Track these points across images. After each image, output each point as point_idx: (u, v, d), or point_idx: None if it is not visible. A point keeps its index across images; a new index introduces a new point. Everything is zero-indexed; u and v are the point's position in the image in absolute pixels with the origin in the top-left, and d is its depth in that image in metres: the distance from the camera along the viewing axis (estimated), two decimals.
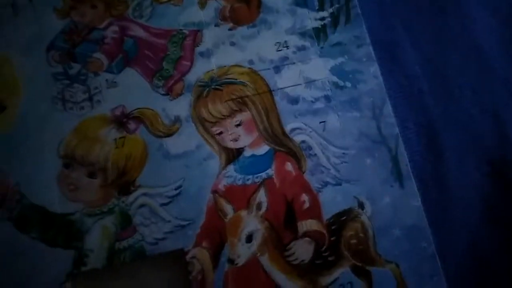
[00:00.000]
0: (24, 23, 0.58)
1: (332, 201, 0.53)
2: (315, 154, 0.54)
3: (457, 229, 0.54)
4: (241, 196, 0.53)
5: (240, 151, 0.55)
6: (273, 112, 0.55)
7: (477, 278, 0.52)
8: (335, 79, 0.57)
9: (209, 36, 0.58)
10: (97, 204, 0.52)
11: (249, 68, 0.57)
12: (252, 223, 0.52)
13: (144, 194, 0.52)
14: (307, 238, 0.52)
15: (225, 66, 0.57)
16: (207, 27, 0.58)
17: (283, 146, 0.55)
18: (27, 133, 0.54)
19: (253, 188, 0.53)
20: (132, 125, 0.55)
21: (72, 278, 0.50)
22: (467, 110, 0.58)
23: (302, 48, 0.58)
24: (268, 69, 0.57)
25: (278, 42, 0.58)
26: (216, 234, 0.52)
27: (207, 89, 0.56)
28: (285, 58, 0.57)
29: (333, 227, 0.52)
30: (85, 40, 0.58)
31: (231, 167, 0.54)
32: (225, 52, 0.57)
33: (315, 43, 0.58)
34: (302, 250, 0.51)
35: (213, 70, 0.57)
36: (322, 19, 0.59)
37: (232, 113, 0.55)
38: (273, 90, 0.56)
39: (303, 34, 0.58)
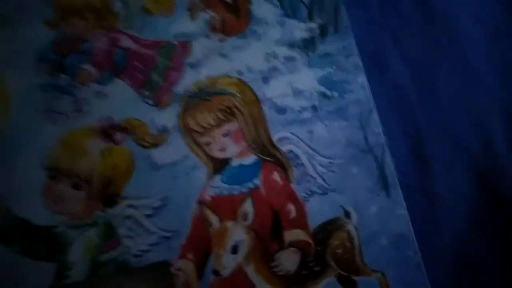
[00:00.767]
0: (12, 34, 0.58)
1: (318, 211, 0.53)
2: (302, 164, 0.54)
3: (444, 237, 0.53)
4: (227, 207, 0.52)
5: (227, 161, 0.54)
6: (261, 122, 0.55)
7: (463, 286, 0.52)
8: (323, 89, 0.57)
9: (199, 47, 0.58)
10: (81, 216, 0.52)
11: (238, 78, 0.57)
12: (238, 233, 0.51)
13: (130, 206, 0.52)
14: (293, 248, 0.51)
15: (214, 77, 0.57)
16: (197, 38, 0.59)
17: (271, 156, 0.54)
18: (13, 144, 0.54)
19: (240, 198, 0.53)
20: (118, 136, 0.55)
21: None
22: (454, 121, 0.58)
23: (291, 59, 0.58)
24: (257, 79, 0.57)
25: (267, 53, 0.58)
26: (201, 245, 0.51)
27: (196, 99, 0.56)
28: (274, 68, 0.58)
29: (319, 237, 0.52)
30: (74, 51, 0.58)
31: (218, 177, 0.54)
32: (214, 62, 0.57)
33: (303, 53, 0.58)
34: (288, 261, 0.51)
35: (202, 80, 0.57)
36: (311, 30, 0.59)
37: (220, 123, 0.55)
38: (262, 100, 0.56)
39: (291, 45, 0.58)
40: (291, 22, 0.60)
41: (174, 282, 0.50)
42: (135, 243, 0.51)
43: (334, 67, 0.58)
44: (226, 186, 0.53)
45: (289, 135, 0.55)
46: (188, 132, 0.55)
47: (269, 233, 0.52)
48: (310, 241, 0.52)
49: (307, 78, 0.57)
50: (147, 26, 0.59)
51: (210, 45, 0.58)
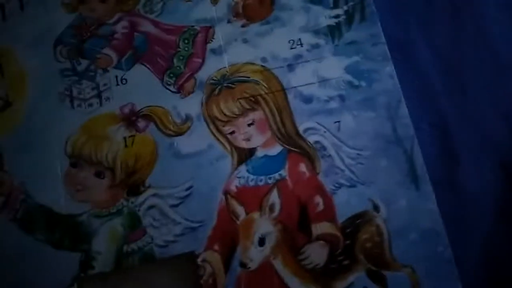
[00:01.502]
0: (30, 18, 0.57)
1: (346, 204, 0.52)
2: (330, 155, 0.53)
3: (472, 232, 0.53)
4: (253, 198, 0.52)
5: (252, 151, 0.53)
6: (286, 111, 0.54)
7: (492, 281, 0.51)
8: (350, 78, 0.56)
9: (221, 33, 0.57)
10: (105, 205, 0.51)
11: (262, 66, 0.56)
12: (264, 225, 0.50)
13: (154, 195, 0.51)
14: (321, 242, 0.51)
15: (237, 64, 0.56)
16: (219, 24, 0.57)
17: (297, 146, 0.53)
18: (33, 131, 0.53)
19: (266, 189, 0.52)
20: (141, 124, 0.53)
21: (78, 282, 0.49)
22: (481, 111, 0.57)
23: (316, 46, 0.57)
24: (282, 67, 0.56)
25: (291, 40, 0.57)
26: (228, 236, 0.50)
27: (219, 87, 0.55)
28: (299, 56, 0.56)
29: (347, 230, 0.51)
30: (94, 35, 0.57)
31: (243, 168, 0.53)
32: (237, 49, 0.56)
33: (329, 41, 0.57)
34: (316, 254, 0.50)
35: (225, 67, 0.56)
36: (337, 16, 0.58)
37: (244, 112, 0.54)
38: (287, 89, 0.55)
39: (317, 32, 0.57)
40: (317, 8, 0.58)
41: (200, 273, 0.49)
42: (160, 233, 0.50)
43: (361, 55, 0.56)
44: (252, 176, 0.52)
45: (316, 125, 0.54)
46: (212, 121, 0.54)
47: (297, 225, 0.51)
48: (339, 234, 0.51)
49: (333, 67, 0.56)
50: (168, 11, 0.58)
51: (233, 31, 0.57)
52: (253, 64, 0.56)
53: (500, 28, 0.60)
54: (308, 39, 0.57)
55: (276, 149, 0.53)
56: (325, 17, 0.58)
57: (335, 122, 0.54)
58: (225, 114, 0.54)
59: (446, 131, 0.56)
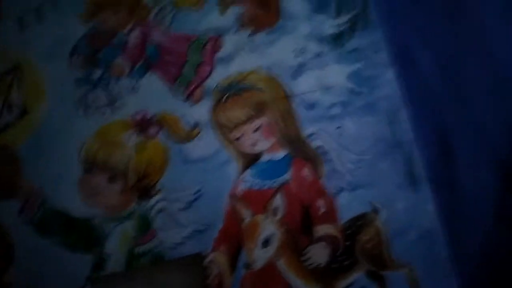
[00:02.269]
0: (48, 29, 0.59)
1: (347, 206, 0.54)
2: (331, 160, 0.55)
3: (470, 233, 0.54)
4: (258, 201, 0.54)
5: (258, 156, 0.55)
6: (291, 117, 0.56)
7: (490, 279, 0.52)
8: (351, 84, 0.57)
9: (229, 42, 0.59)
10: (117, 209, 0.54)
11: (267, 73, 0.57)
12: (269, 228, 0.53)
13: (164, 199, 0.53)
14: (322, 243, 0.52)
15: (243, 72, 0.57)
16: (227, 33, 0.59)
17: (301, 151, 0.55)
18: (49, 138, 0.56)
19: (271, 193, 0.54)
20: (152, 130, 0.56)
21: (91, 282, 0.52)
22: (480, 115, 0.58)
23: (319, 54, 0.58)
24: (286, 75, 0.57)
25: (296, 48, 0.58)
26: (234, 238, 0.53)
27: (226, 94, 0.57)
28: (303, 64, 0.58)
29: (348, 232, 0.53)
30: (107, 45, 0.59)
31: (248, 172, 0.55)
32: (244, 57, 0.58)
33: (332, 49, 0.58)
34: (318, 254, 0.52)
35: (232, 75, 0.57)
36: (340, 25, 0.59)
37: (250, 118, 0.56)
38: (291, 96, 0.57)
39: (321, 40, 0.59)
40: (320, 17, 0.60)
41: (207, 274, 0.52)
42: (169, 236, 0.53)
43: (363, 62, 0.58)
44: (257, 181, 0.54)
45: (318, 131, 0.56)
46: (219, 127, 0.56)
47: (299, 227, 0.53)
48: (339, 236, 0.53)
49: (336, 74, 0.58)
50: (178, 20, 0.60)
51: (240, 40, 0.59)
52: (258, 72, 0.58)
53: (500, 36, 0.60)
54: (312, 47, 0.58)
55: (280, 154, 0.55)
56: (328, 26, 0.59)
57: (337, 127, 0.56)
58: (231, 121, 0.56)
59: (446, 135, 0.57)
